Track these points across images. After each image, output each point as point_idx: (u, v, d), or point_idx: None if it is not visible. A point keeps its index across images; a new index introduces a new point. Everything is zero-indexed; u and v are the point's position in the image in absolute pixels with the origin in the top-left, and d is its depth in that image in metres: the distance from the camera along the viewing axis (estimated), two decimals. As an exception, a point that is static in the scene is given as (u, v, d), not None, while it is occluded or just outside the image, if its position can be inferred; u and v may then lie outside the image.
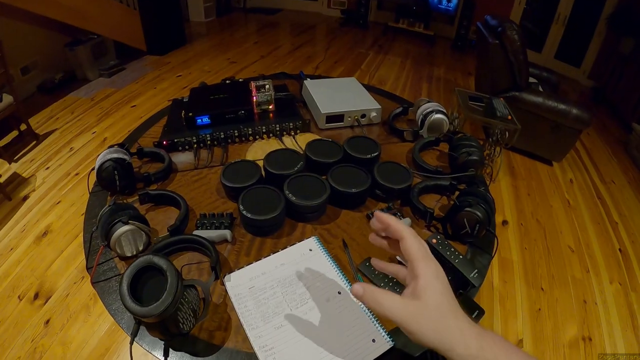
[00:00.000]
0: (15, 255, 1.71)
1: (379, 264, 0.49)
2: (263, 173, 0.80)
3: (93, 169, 0.77)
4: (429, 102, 1.09)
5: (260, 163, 0.82)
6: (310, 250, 0.69)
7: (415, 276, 0.39)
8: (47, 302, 1.52)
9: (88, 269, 0.65)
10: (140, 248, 0.66)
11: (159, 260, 0.51)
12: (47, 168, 2.25)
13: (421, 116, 1.04)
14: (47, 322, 1.45)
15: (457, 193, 0.83)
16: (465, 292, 0.63)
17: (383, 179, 0.78)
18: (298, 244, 0.71)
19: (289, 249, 0.70)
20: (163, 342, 0.54)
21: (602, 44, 3.79)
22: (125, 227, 0.62)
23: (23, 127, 2.44)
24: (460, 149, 0.89)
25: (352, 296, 0.61)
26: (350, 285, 0.63)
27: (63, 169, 2.25)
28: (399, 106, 1.15)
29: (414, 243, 0.40)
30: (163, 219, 0.75)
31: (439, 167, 0.89)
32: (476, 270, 0.65)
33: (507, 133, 1.73)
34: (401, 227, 0.42)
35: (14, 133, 2.49)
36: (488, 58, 2.36)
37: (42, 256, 1.71)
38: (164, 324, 0.50)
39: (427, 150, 1.01)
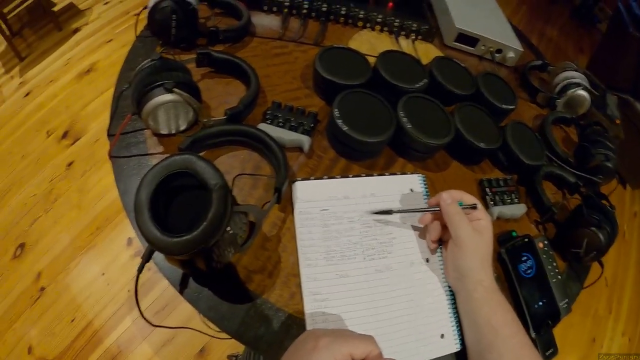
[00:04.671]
0: (54, 88, 1.60)
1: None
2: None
3: (146, 7, 0.58)
4: (576, 70, 0.84)
5: (371, 60, 0.62)
6: (411, 190, 0.54)
7: (455, 237, 0.45)
8: (75, 144, 1.45)
9: (109, 135, 0.50)
10: (182, 128, 0.50)
11: (204, 169, 0.35)
12: (106, 3, 2.05)
13: (564, 82, 0.81)
14: (70, 164, 1.39)
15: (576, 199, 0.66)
16: (553, 324, 0.51)
17: (516, 144, 0.59)
18: (399, 177, 0.56)
19: (386, 177, 0.55)
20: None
21: None
22: (168, 96, 0.45)
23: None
24: (598, 146, 0.69)
25: (439, 270, 0.48)
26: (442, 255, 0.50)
27: (123, 6, 2.05)
28: (536, 59, 0.89)
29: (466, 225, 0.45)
30: (221, 94, 0.57)
31: (570, 156, 0.70)
32: (566, 300, 0.53)
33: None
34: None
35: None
36: (618, 47, 1.98)
37: (80, 94, 1.60)
38: (190, 259, 0.37)
39: (553, 126, 0.80)
